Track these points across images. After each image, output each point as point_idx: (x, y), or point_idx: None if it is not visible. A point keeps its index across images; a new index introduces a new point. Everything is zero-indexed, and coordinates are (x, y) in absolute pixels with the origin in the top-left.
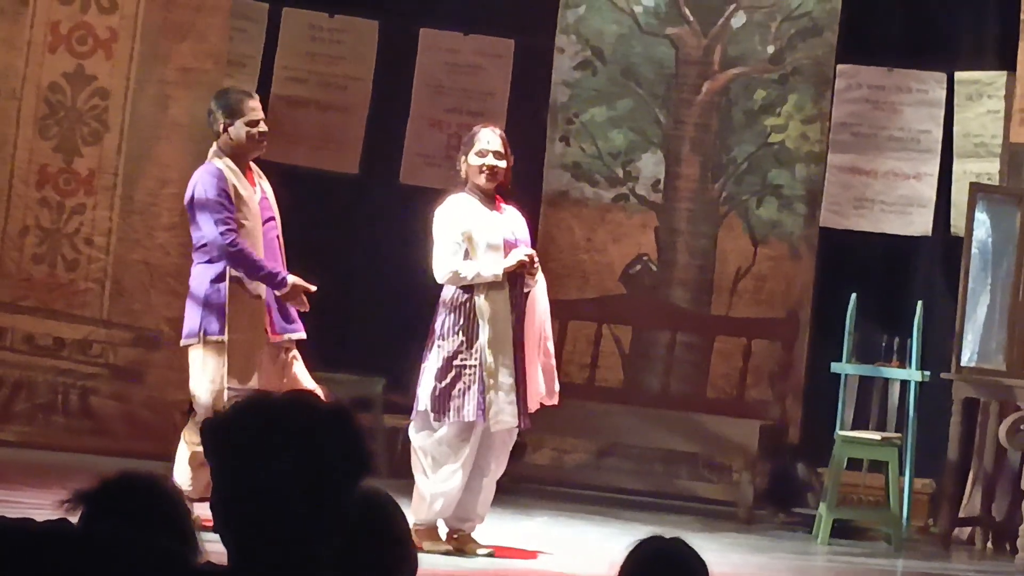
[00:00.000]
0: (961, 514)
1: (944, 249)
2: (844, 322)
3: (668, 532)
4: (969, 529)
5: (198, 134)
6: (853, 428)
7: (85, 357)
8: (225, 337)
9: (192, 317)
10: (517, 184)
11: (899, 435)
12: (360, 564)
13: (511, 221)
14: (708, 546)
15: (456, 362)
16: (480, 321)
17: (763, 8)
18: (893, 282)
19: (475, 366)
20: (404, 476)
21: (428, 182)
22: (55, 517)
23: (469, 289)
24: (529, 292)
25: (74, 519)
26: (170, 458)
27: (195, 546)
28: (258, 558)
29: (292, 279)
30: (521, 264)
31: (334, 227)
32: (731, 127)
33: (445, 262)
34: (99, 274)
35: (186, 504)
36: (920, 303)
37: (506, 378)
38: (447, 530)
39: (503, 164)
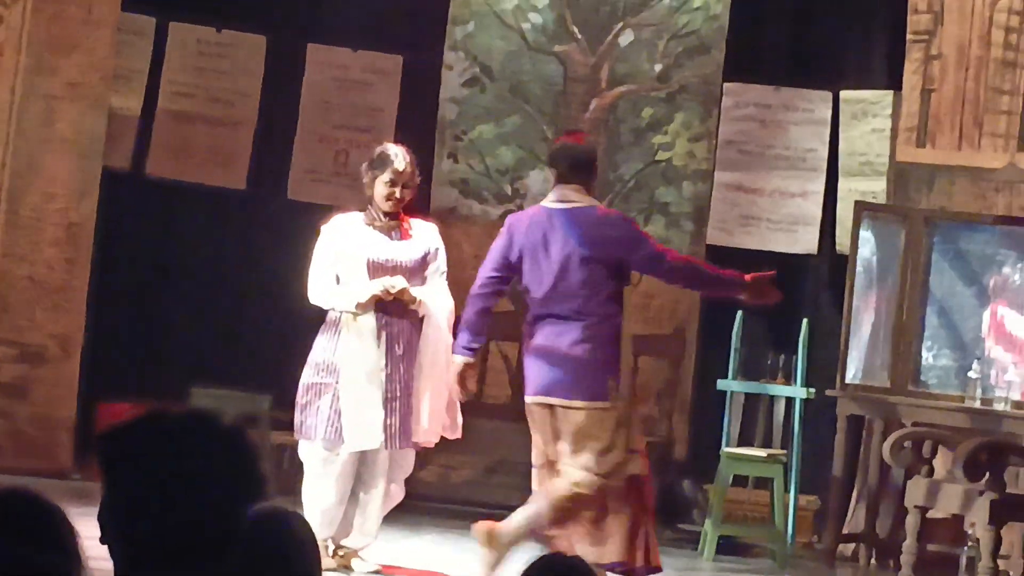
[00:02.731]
0: (845, 531)
1: (830, 267)
2: (730, 339)
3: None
4: (853, 546)
5: (85, 148)
6: (739, 445)
7: None
8: None
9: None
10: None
11: (784, 452)
12: None
13: (411, 243)
14: None
15: (316, 380)
16: (345, 342)
17: (651, 26)
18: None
19: (332, 385)
20: (291, 493)
21: (316, 198)
22: None
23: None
24: (424, 316)
25: None
26: (56, 475)
27: (79, 563)
28: (147, 573)
29: None
30: (375, 298)
31: (221, 243)
32: (619, 145)
33: (312, 285)
34: None
35: (69, 521)
36: (806, 321)
37: (370, 399)
38: (333, 547)
39: (409, 192)
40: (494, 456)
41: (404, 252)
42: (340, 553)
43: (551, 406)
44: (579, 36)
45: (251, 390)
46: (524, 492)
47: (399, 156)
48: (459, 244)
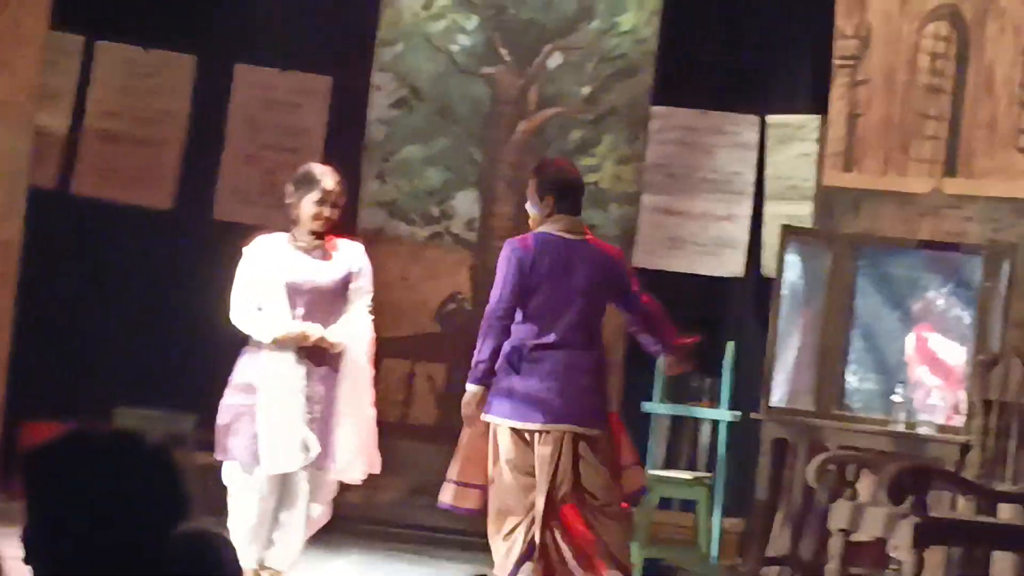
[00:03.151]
0: (769, 553)
1: (755, 290)
2: (655, 362)
3: (487, 571)
4: (777, 568)
5: (10, 167)
6: (664, 467)
7: None
8: None
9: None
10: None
11: (709, 475)
12: None
13: (333, 264)
14: None
15: (236, 401)
16: (265, 362)
17: (579, 49)
18: (705, 322)
19: (252, 407)
20: (217, 513)
21: (243, 218)
22: None
23: None
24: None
25: None
26: None
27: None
28: None
29: None
30: (288, 338)
31: (147, 262)
32: None
33: (234, 308)
34: None
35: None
36: (731, 344)
37: (289, 421)
38: (256, 567)
39: (337, 211)
40: (419, 478)
41: (325, 274)
42: (260, 573)
43: (572, 434)
44: (508, 58)
45: (176, 410)
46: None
47: (327, 175)
48: (385, 265)
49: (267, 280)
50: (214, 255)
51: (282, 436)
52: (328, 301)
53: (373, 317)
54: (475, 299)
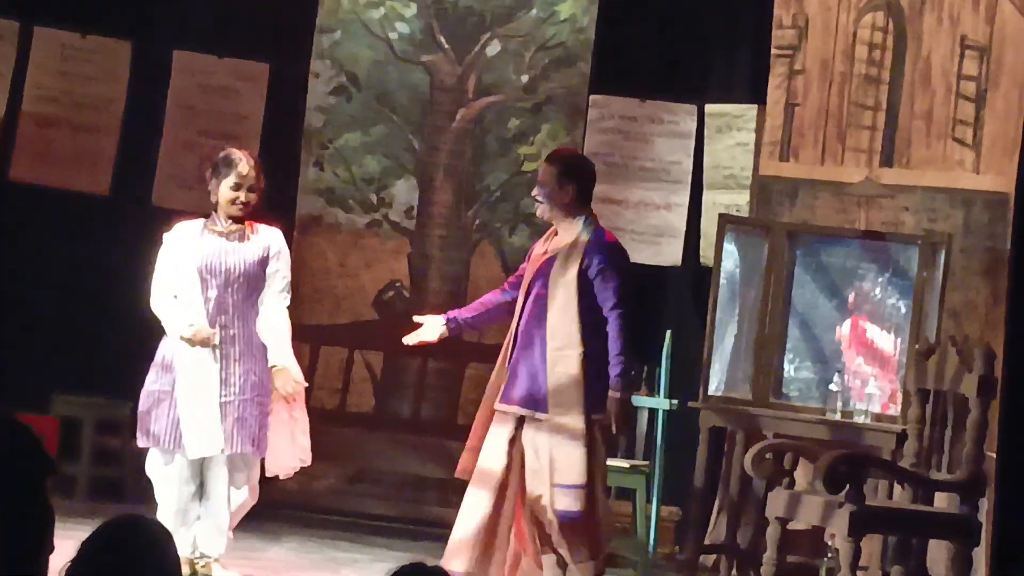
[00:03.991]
0: (707, 541)
1: (693, 279)
2: None
3: (426, 559)
4: (714, 556)
5: None
6: None
7: None
8: None
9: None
10: (270, 208)
11: (647, 463)
12: None
13: (248, 247)
14: None
15: (155, 387)
16: (181, 347)
17: (518, 37)
18: (643, 311)
19: (170, 392)
20: (150, 500)
21: (181, 205)
22: None
23: None
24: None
25: None
26: None
27: None
28: None
29: None
30: (194, 340)
31: (84, 248)
32: (485, 155)
33: (153, 295)
34: None
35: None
36: (669, 332)
37: (207, 406)
38: (186, 555)
39: (255, 195)
40: (356, 465)
41: (239, 256)
42: (199, 563)
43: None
44: (446, 46)
45: (114, 397)
46: (386, 501)
47: (242, 160)
48: (324, 253)
49: (181, 267)
50: (152, 241)
51: (201, 421)
52: (243, 284)
53: (289, 303)
54: (413, 286)
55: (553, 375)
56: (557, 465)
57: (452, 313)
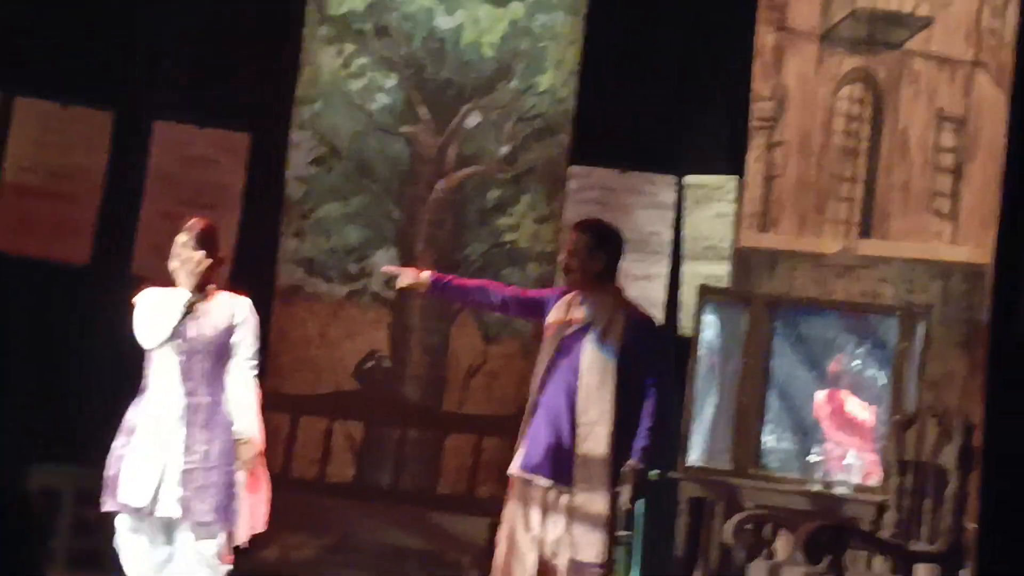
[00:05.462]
0: None
1: (673, 350)
2: None
3: None
4: None
5: None
6: None
7: None
8: None
9: None
10: (250, 278)
11: (628, 533)
12: None
13: (211, 318)
14: None
15: (123, 451)
16: (146, 404)
17: (498, 109)
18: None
19: (133, 453)
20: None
21: (161, 274)
22: None
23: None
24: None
25: None
26: None
27: None
28: None
29: None
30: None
31: (64, 318)
32: (465, 225)
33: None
34: None
35: None
36: None
37: (152, 459)
38: None
39: (194, 262)
40: (336, 535)
41: (201, 326)
42: None
43: None
44: (426, 117)
45: (92, 467)
46: (366, 572)
47: (184, 230)
48: (304, 322)
49: (145, 336)
50: (132, 310)
51: (139, 469)
52: (207, 354)
53: (256, 372)
54: (394, 357)
55: (581, 449)
56: (577, 540)
57: (440, 276)
